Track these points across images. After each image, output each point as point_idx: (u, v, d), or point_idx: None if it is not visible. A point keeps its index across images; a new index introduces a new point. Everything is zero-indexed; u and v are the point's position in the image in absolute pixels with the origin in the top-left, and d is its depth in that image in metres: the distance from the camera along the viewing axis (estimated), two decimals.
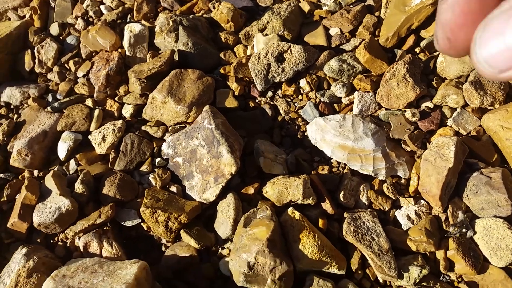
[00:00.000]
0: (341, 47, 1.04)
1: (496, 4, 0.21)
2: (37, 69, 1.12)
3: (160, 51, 1.08)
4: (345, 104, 0.99)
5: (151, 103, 1.00)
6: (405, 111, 0.95)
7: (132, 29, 1.05)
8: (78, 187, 0.92)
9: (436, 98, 0.96)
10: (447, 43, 0.24)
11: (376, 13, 1.06)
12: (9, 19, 1.26)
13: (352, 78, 0.99)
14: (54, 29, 1.17)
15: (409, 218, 0.86)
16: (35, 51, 1.13)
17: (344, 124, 0.91)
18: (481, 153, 0.91)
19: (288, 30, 1.03)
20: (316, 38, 1.05)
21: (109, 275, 0.76)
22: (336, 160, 0.93)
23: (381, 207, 0.88)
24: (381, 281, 0.82)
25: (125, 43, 1.06)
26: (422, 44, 1.00)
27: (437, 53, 1.00)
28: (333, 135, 0.91)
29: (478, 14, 0.22)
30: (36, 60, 1.13)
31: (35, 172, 1.00)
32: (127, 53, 1.06)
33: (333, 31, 1.05)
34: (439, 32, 0.25)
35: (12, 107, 1.10)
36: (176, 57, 1.03)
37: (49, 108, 1.06)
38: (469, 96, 0.93)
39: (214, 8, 1.11)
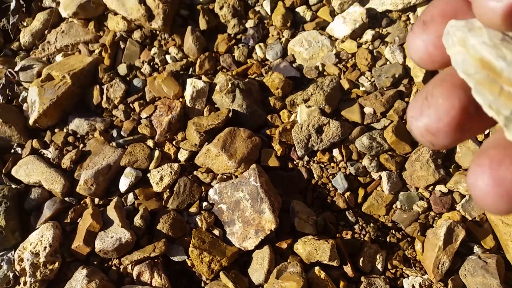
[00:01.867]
0: (372, 125, 1.20)
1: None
2: (104, 105, 1.27)
3: (216, 105, 1.24)
4: (372, 179, 1.15)
5: (205, 153, 1.16)
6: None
7: (195, 84, 1.21)
8: (137, 221, 1.07)
9: (449, 184, 1.12)
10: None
11: (406, 99, 1.22)
12: (79, 51, 1.42)
13: (380, 154, 1.15)
14: (122, 69, 1.32)
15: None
16: (104, 88, 1.29)
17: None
18: (481, 239, 1.07)
19: (329, 105, 1.19)
20: (352, 114, 1.21)
21: None
22: (358, 226, 1.09)
23: (393, 275, 1.04)
24: None
25: (187, 95, 1.22)
26: None
27: None
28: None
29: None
30: (104, 96, 1.28)
31: (96, 200, 1.15)
32: (188, 103, 1.22)
33: (367, 110, 1.21)
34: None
35: (78, 136, 1.25)
36: (230, 115, 1.19)
37: (113, 143, 1.21)
38: None
39: (266, 73, 1.27)
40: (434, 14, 0.25)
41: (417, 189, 1.13)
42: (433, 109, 0.24)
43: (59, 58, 1.42)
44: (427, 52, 0.25)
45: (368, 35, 1.26)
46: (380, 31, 1.28)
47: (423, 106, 0.24)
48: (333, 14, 1.31)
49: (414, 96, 0.25)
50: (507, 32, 0.22)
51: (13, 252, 1.08)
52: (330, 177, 1.16)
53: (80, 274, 1.01)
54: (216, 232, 1.09)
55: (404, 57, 1.23)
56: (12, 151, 1.26)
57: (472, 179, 0.22)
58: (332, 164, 1.17)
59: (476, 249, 1.05)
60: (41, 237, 1.05)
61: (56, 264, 1.03)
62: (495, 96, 0.22)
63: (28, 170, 1.17)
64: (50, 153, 1.22)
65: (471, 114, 0.23)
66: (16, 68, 1.38)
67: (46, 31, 1.48)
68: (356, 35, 1.27)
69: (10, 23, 1.50)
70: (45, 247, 1.03)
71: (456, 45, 0.23)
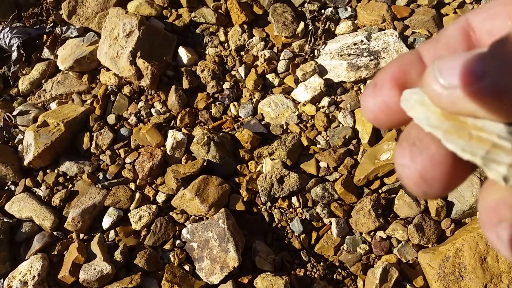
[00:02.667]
0: (325, 177, 1.41)
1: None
2: (93, 150, 1.44)
3: (193, 154, 1.42)
4: (324, 224, 1.34)
5: (181, 197, 1.33)
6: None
7: (176, 136, 1.40)
8: (118, 255, 1.22)
9: (388, 230, 1.32)
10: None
11: (355, 156, 1.44)
12: (73, 100, 1.60)
13: (331, 203, 1.35)
14: (111, 119, 1.50)
15: None
16: (94, 135, 1.46)
17: None
18: (412, 278, 1.26)
19: (290, 158, 1.40)
20: (309, 167, 1.41)
21: None
22: (310, 265, 1.27)
23: None
24: None
25: (168, 145, 1.40)
26: (385, 188, 1.38)
27: (394, 195, 1.37)
28: None
29: None
30: (93, 142, 1.45)
31: (81, 235, 1.30)
32: (168, 152, 1.40)
33: (322, 164, 1.41)
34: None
35: (68, 177, 1.41)
36: (204, 164, 1.37)
37: (99, 185, 1.37)
38: (411, 234, 1.29)
39: (238, 128, 1.47)
40: (385, 77, 0.25)
41: (361, 234, 1.33)
42: (426, 156, 0.23)
43: (53, 105, 1.59)
44: (379, 112, 0.25)
45: (325, 101, 1.49)
46: (336, 98, 1.51)
47: (414, 153, 0.23)
48: (297, 82, 1.54)
49: (398, 144, 0.25)
50: None
51: (1, 280, 1.20)
52: (289, 221, 1.34)
53: None
54: (186, 267, 1.24)
55: (354, 121, 1.46)
56: (6, 188, 1.40)
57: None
58: (290, 210, 1.36)
59: (408, 287, 1.24)
60: (30, 267, 1.18)
61: None
62: (466, 141, 0.22)
63: (21, 206, 1.31)
64: (41, 191, 1.37)
65: (462, 161, 0.22)
66: (14, 113, 1.54)
67: (43, 80, 1.65)
68: (315, 100, 1.50)
69: (11, 71, 1.67)
70: (34, 277, 1.16)
71: (416, 106, 0.24)
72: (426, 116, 0.23)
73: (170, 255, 1.26)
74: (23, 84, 1.65)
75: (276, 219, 1.34)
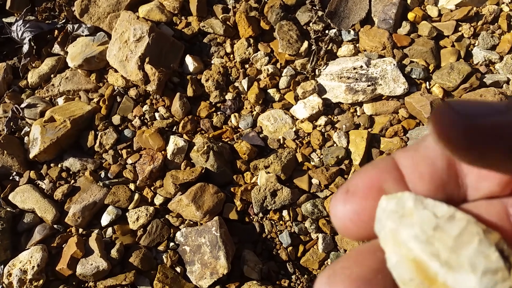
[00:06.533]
0: (316, 193, 1.48)
1: None
2: (96, 148, 1.50)
3: (192, 161, 1.49)
4: (311, 238, 1.42)
5: (178, 201, 1.39)
6: None
7: (177, 142, 1.46)
8: (114, 253, 1.29)
9: None
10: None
11: (346, 176, 1.51)
12: (80, 97, 1.65)
13: (319, 219, 1.43)
14: (116, 119, 1.56)
15: None
16: (98, 134, 1.52)
17: None
18: None
19: (284, 173, 1.47)
20: (301, 182, 1.49)
21: None
22: (295, 276, 1.34)
23: None
24: None
25: (169, 150, 1.47)
26: None
27: None
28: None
29: None
30: (98, 141, 1.51)
31: (80, 230, 1.36)
32: (168, 157, 1.47)
33: (314, 181, 1.49)
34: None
35: (71, 172, 1.47)
36: (203, 171, 1.44)
37: (100, 183, 1.43)
38: None
39: (237, 139, 1.54)
40: (359, 184, 0.24)
41: (345, 251, 1.41)
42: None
43: (60, 101, 1.64)
44: (349, 222, 0.24)
45: (322, 120, 1.57)
46: (332, 118, 1.59)
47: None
48: (297, 99, 1.62)
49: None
50: (438, 212, 0.22)
51: (2, 267, 1.26)
52: (278, 233, 1.42)
53: None
54: (178, 269, 1.31)
55: (348, 142, 1.54)
56: (11, 178, 1.45)
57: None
58: (281, 222, 1.43)
59: None
60: (30, 257, 1.24)
61: (41, 282, 1.22)
62: None
63: (24, 197, 1.37)
64: (45, 184, 1.43)
65: None
66: (22, 105, 1.59)
67: (52, 75, 1.71)
68: (312, 118, 1.58)
69: (21, 63, 1.72)
70: (33, 267, 1.22)
71: (389, 240, 0.22)
72: (398, 262, 0.22)
73: (163, 256, 1.33)
74: (32, 77, 1.70)
75: (266, 230, 1.42)
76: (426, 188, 0.23)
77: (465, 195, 0.23)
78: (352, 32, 1.72)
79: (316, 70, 1.66)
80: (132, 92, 1.60)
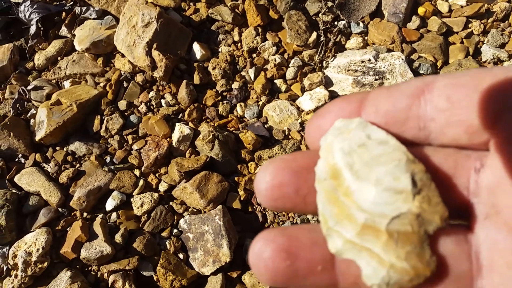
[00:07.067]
0: None
1: None
2: (102, 133, 1.50)
3: (197, 149, 1.50)
4: None
5: (182, 189, 1.40)
6: None
7: (182, 130, 1.47)
8: (118, 238, 1.30)
9: None
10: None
11: None
12: (86, 81, 1.65)
13: None
14: (122, 104, 1.56)
15: None
16: (104, 119, 1.52)
17: None
18: None
19: None
20: None
21: None
22: None
23: None
24: None
25: (174, 137, 1.47)
26: None
27: None
28: None
29: None
30: (104, 126, 1.51)
31: (85, 214, 1.37)
32: (174, 144, 1.47)
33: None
34: None
35: (76, 156, 1.47)
36: (207, 160, 1.44)
37: (106, 168, 1.44)
38: None
39: (242, 129, 1.55)
40: (330, 109, 0.26)
41: None
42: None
43: (67, 84, 1.64)
44: (315, 133, 0.27)
45: None
46: None
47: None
48: (303, 90, 1.61)
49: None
50: (373, 136, 0.23)
51: (7, 248, 1.28)
52: (280, 223, 1.43)
53: (65, 275, 1.22)
54: (181, 255, 1.33)
55: None
56: (17, 160, 1.46)
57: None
58: (283, 213, 1.44)
59: None
60: (35, 240, 1.26)
61: (45, 264, 1.24)
62: (331, 205, 0.23)
63: (30, 180, 1.38)
64: (50, 167, 1.43)
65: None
66: (29, 87, 1.59)
67: (59, 58, 1.70)
68: None
69: (28, 45, 1.71)
70: (38, 249, 1.24)
71: (324, 150, 0.25)
72: (321, 166, 0.24)
73: (167, 243, 1.34)
74: (39, 59, 1.69)
75: (269, 220, 1.43)
76: (377, 121, 0.24)
77: (427, 138, 0.24)
78: (361, 24, 1.71)
79: (324, 62, 1.65)
80: (139, 78, 1.60)
